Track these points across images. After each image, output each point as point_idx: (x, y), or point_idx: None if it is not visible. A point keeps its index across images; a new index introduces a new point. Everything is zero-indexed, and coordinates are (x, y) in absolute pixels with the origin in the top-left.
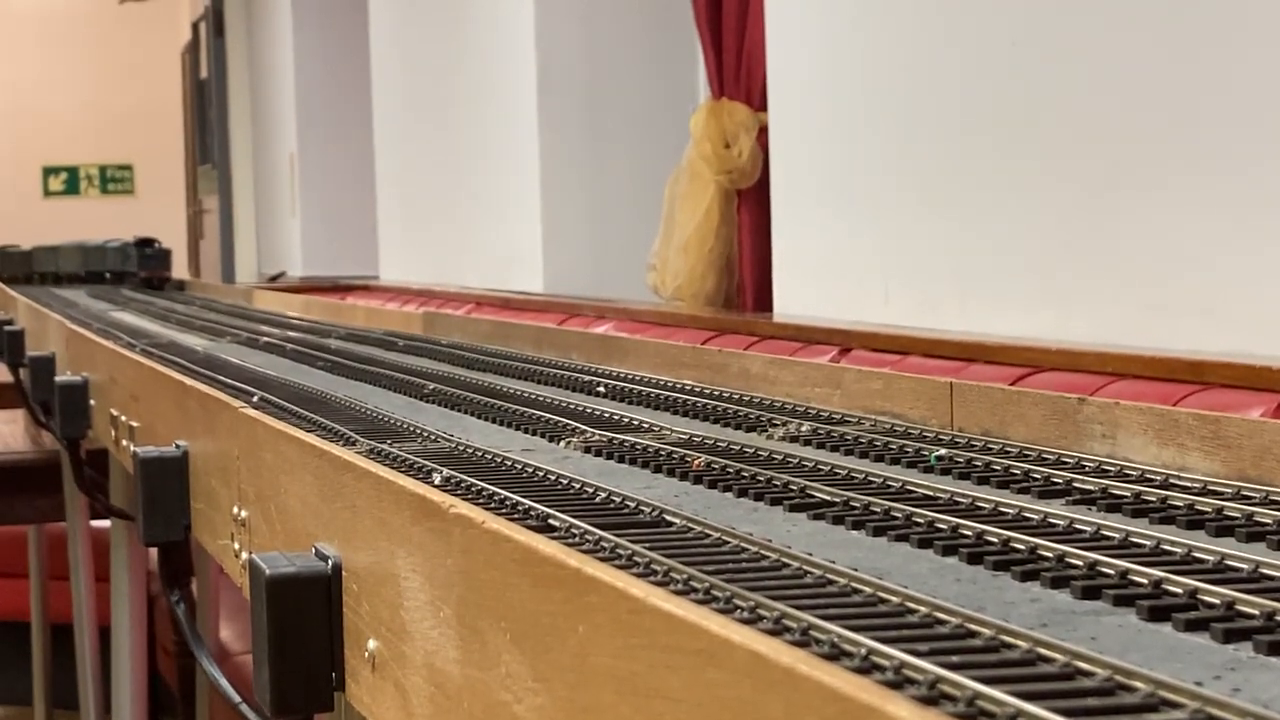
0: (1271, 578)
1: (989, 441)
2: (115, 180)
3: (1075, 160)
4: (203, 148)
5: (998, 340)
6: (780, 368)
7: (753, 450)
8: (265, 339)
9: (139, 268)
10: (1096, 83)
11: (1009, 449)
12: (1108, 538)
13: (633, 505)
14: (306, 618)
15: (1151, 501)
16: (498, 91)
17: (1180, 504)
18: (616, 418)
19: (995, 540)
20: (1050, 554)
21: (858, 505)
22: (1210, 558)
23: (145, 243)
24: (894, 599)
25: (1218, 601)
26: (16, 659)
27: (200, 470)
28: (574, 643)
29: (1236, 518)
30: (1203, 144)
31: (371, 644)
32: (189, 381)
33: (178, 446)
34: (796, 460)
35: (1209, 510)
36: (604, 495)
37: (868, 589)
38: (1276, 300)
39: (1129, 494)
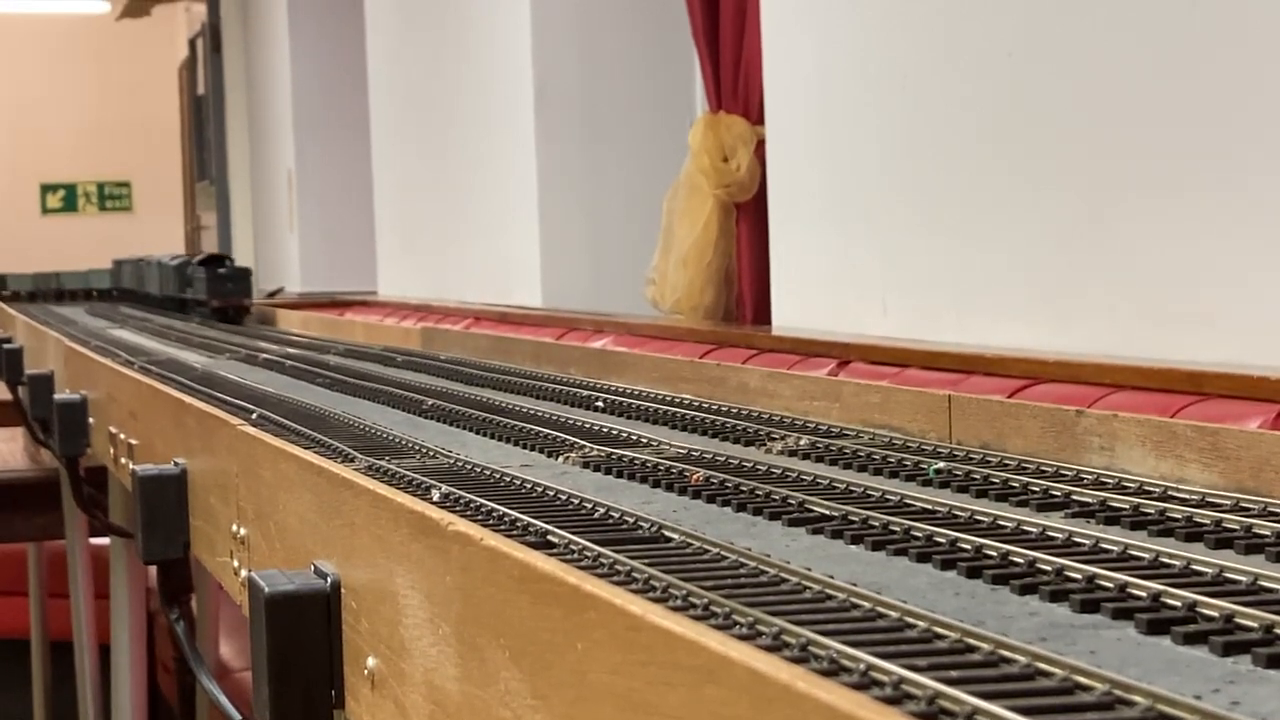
0: (1270, 590)
1: (987, 454)
2: (113, 197)
3: (1073, 172)
4: (201, 164)
5: (996, 352)
6: (779, 381)
7: (751, 464)
8: (264, 355)
9: (208, 294)
10: (1094, 95)
11: (1007, 461)
12: (1106, 550)
13: (631, 520)
14: (306, 635)
15: (1150, 514)
16: (495, 105)
17: (1179, 516)
18: (615, 433)
19: (994, 554)
20: (1049, 567)
21: (856, 519)
22: (1209, 570)
23: (214, 260)
24: (893, 614)
25: (1217, 614)
26: (16, 677)
27: (199, 488)
28: (573, 659)
29: (1235, 530)
30: (1201, 156)
31: (371, 661)
32: (187, 399)
33: (176, 464)
34: (795, 474)
35: (1207, 522)
36: (602, 511)
37: (866, 604)
38: (1274, 310)
39: (1127, 506)
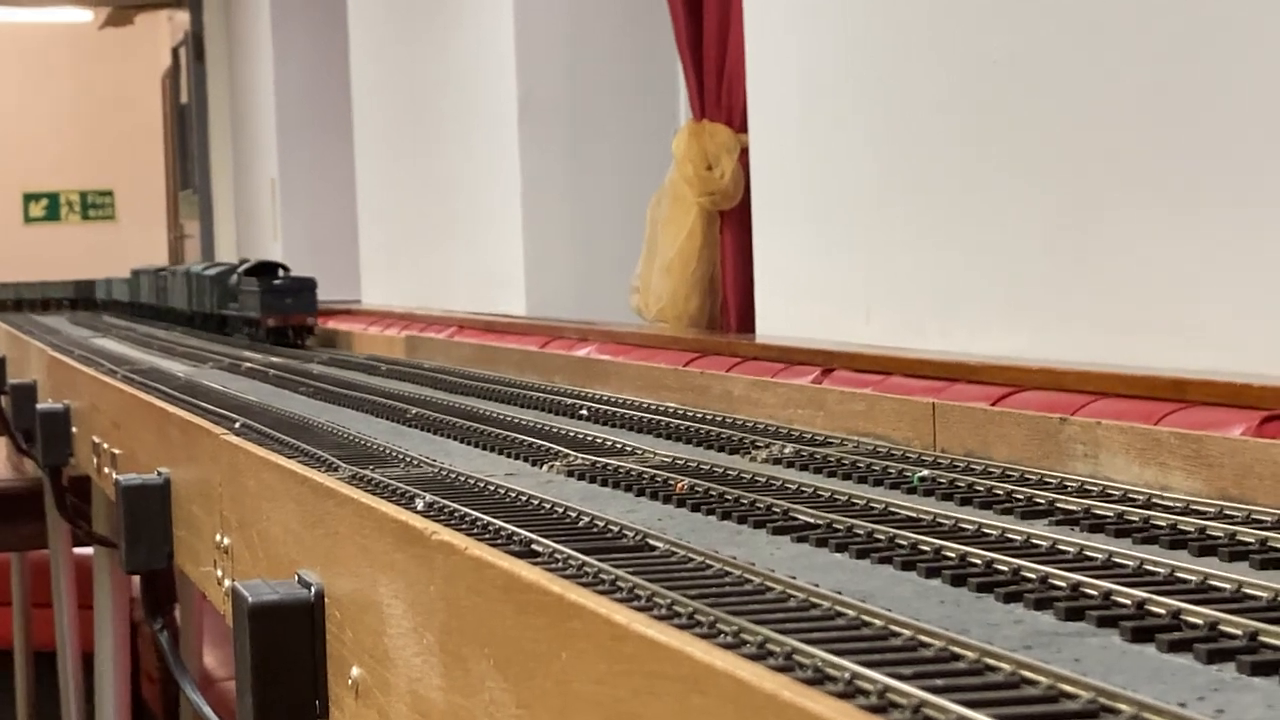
0: (1254, 597)
1: (971, 462)
2: (96, 206)
3: (1056, 180)
4: (184, 173)
5: (979, 360)
6: (763, 389)
7: (736, 473)
8: (247, 364)
9: (262, 311)
10: (1076, 104)
11: (991, 469)
12: (1091, 558)
13: (616, 529)
14: (289, 645)
15: (1134, 521)
16: (479, 114)
17: (1163, 524)
18: (599, 441)
19: (979, 562)
20: (1034, 575)
21: (841, 528)
22: (1193, 578)
23: (266, 269)
24: (878, 622)
25: (1201, 622)
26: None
27: (182, 497)
28: (557, 669)
29: (1219, 537)
30: (1183, 164)
31: (355, 671)
32: (170, 408)
33: (160, 474)
34: (780, 483)
35: (1191, 530)
36: (587, 520)
37: (851, 612)
38: (1256, 318)
39: (1112, 514)
